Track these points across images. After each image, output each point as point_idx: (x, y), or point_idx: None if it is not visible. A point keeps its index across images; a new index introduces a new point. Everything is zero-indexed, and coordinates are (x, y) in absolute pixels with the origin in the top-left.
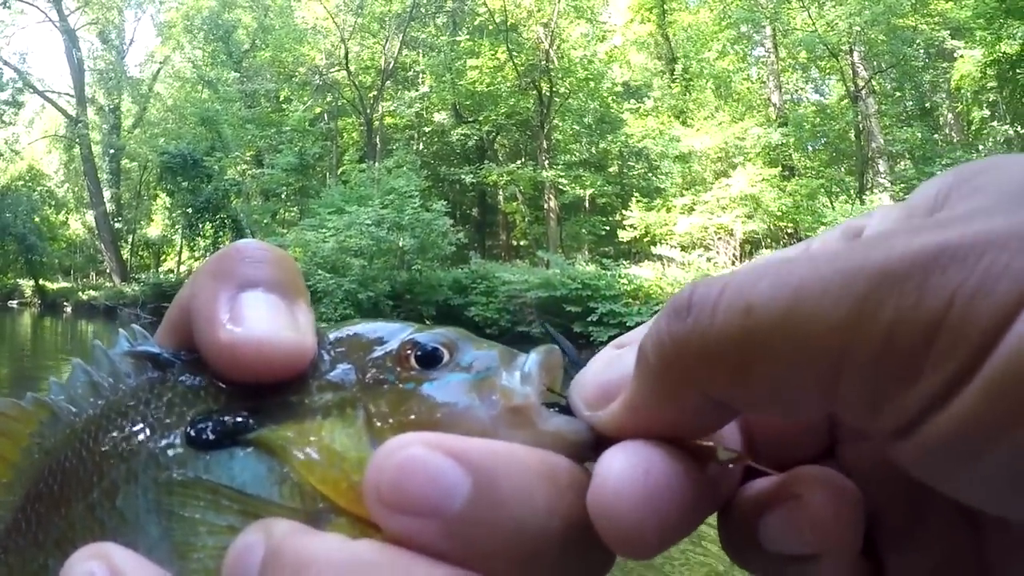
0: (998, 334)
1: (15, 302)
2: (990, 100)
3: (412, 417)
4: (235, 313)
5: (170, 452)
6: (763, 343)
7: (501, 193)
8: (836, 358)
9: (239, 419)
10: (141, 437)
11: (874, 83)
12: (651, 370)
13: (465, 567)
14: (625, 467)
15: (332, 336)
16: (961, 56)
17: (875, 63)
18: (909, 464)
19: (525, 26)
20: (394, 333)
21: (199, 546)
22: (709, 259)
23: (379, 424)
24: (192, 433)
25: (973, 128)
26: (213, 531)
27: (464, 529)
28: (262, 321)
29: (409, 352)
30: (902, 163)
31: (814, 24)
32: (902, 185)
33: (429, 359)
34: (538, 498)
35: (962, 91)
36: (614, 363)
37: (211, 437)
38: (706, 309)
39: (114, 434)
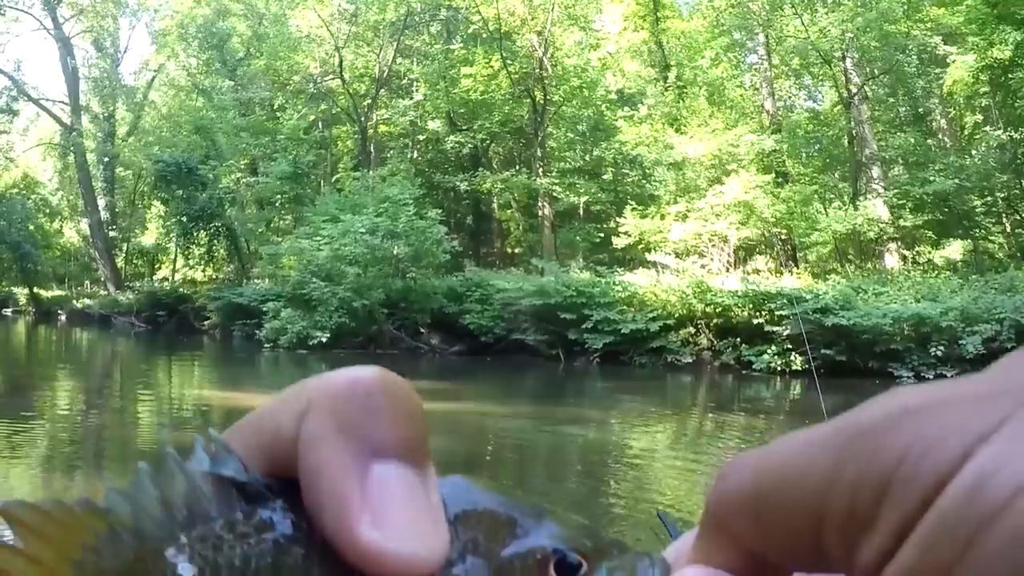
0: (939, 488)
1: (9, 310)
2: (983, 105)
3: None
4: (374, 507)
5: None
6: (765, 500)
7: (496, 201)
8: (816, 516)
9: None
10: None
11: (867, 89)
12: (703, 520)
13: None
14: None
15: (454, 511)
16: (954, 61)
17: (868, 69)
18: None
19: (519, 34)
20: (528, 524)
21: None
22: (703, 266)
23: None
24: None
25: (966, 133)
26: None
27: None
28: (405, 525)
29: (547, 563)
30: (895, 168)
31: (807, 31)
32: (895, 191)
33: (568, 570)
34: None
35: (955, 96)
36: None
37: None
38: (734, 470)
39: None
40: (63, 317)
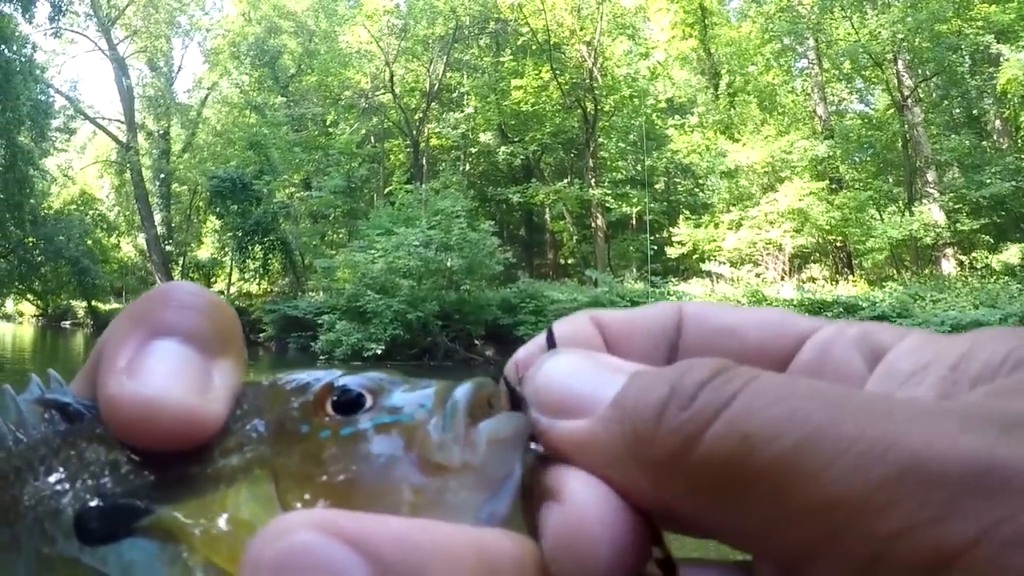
0: None
1: (68, 323)
2: None
3: (323, 477)
4: (134, 363)
5: (57, 523)
6: (748, 481)
7: (548, 212)
8: (824, 533)
9: (132, 505)
10: (31, 502)
11: (920, 91)
12: (626, 437)
13: None
14: (600, 497)
15: (251, 390)
16: (1007, 60)
17: (920, 71)
18: None
19: (568, 45)
20: (318, 379)
21: None
22: (758, 275)
23: (287, 485)
24: (78, 526)
25: (1022, 133)
26: None
27: None
28: (160, 376)
29: (326, 397)
30: (951, 172)
31: (857, 34)
32: (951, 195)
33: (349, 405)
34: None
35: (1009, 96)
36: (585, 377)
37: (99, 531)
38: (703, 415)
39: (4, 494)
40: None
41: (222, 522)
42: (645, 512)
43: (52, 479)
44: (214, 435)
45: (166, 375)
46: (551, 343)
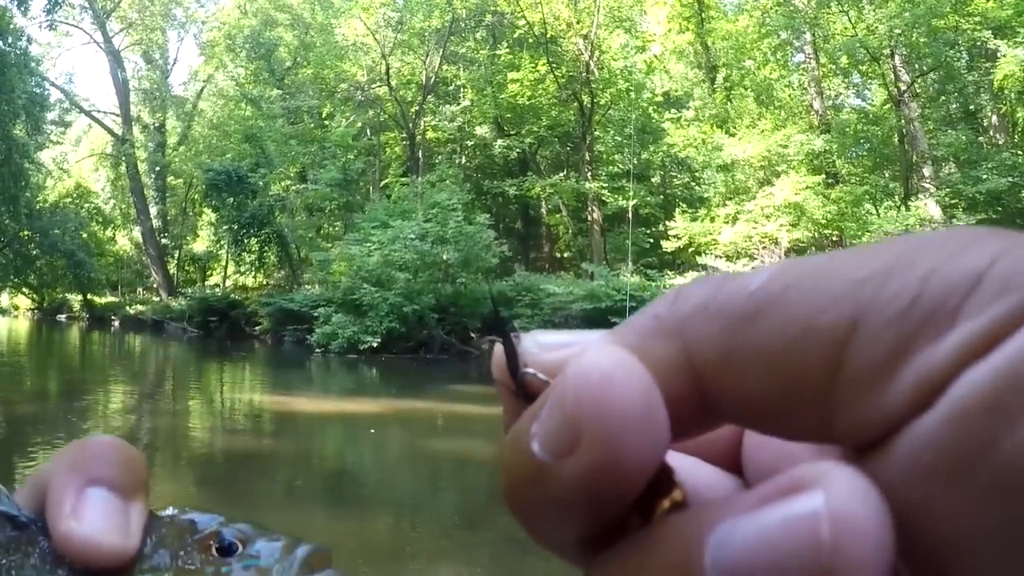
0: None
1: (64, 316)
2: None
3: None
4: (77, 509)
5: None
6: (776, 299)
7: (544, 205)
8: (851, 316)
9: None
10: None
11: (917, 86)
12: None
13: None
14: (624, 360)
15: (164, 517)
16: (1004, 56)
17: (917, 66)
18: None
19: (565, 38)
20: (205, 523)
21: None
22: (754, 268)
23: None
24: None
25: (1019, 129)
26: None
27: None
28: (96, 521)
29: (212, 543)
30: (947, 167)
31: (854, 28)
32: (947, 190)
33: (226, 550)
34: None
35: (1006, 92)
36: (571, 343)
37: None
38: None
39: None
40: (116, 323)
41: None
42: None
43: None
44: (132, 561)
45: (101, 519)
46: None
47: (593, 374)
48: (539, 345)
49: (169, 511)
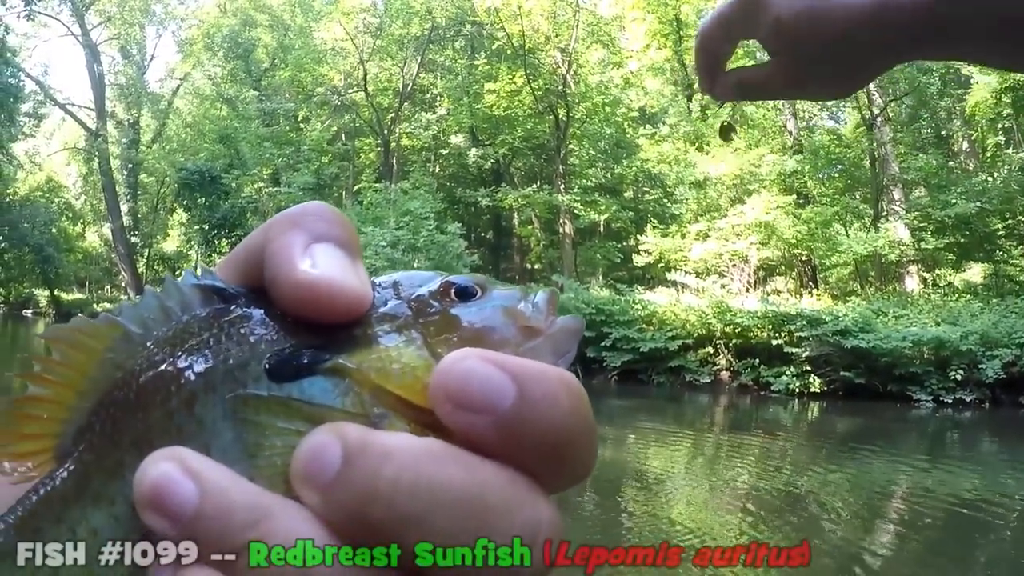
0: None
1: (30, 311)
2: (1005, 127)
3: (457, 336)
4: (312, 258)
5: (246, 372)
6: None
7: (516, 216)
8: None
9: (316, 354)
10: (220, 357)
11: (889, 110)
12: None
13: (507, 460)
14: None
15: (380, 281)
16: (976, 83)
17: (890, 90)
18: None
19: (543, 51)
20: (432, 277)
21: (268, 446)
22: (723, 286)
23: (433, 341)
24: (270, 367)
25: (988, 155)
26: (282, 433)
27: (511, 425)
28: (335, 268)
29: (449, 288)
30: (917, 191)
31: None
32: (917, 213)
33: (465, 294)
34: (563, 401)
35: (977, 118)
36: None
37: (291, 370)
38: None
39: (192, 353)
40: None
41: (388, 363)
42: None
43: (235, 340)
44: (367, 311)
45: (337, 267)
46: None
47: None
48: None
49: (390, 275)
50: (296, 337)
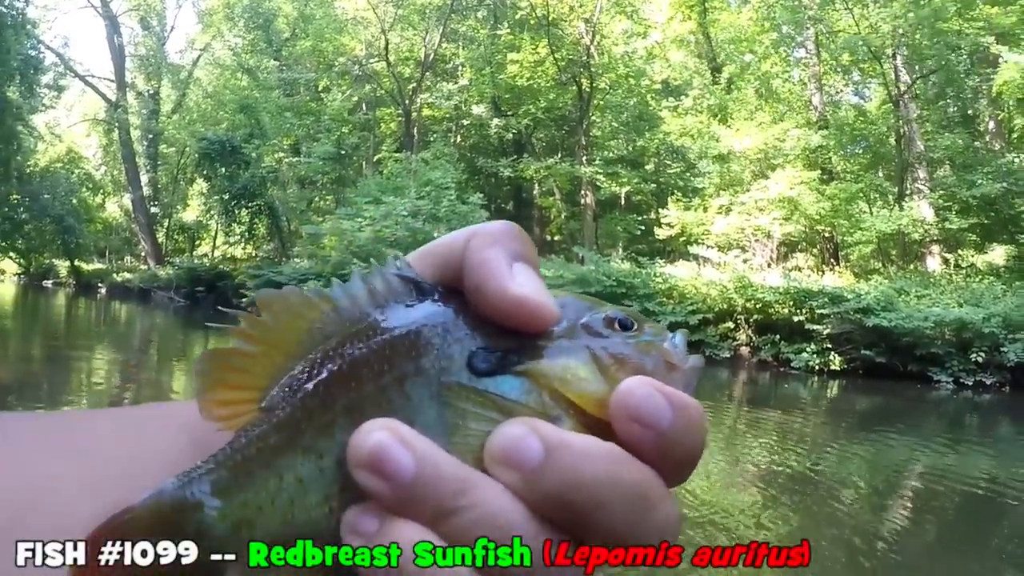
0: None
1: (51, 282)
2: None
3: (619, 363)
4: (519, 276)
5: (452, 362)
6: None
7: (537, 187)
8: None
9: (509, 356)
10: (430, 345)
11: (916, 88)
12: None
13: (655, 465)
14: None
15: (559, 301)
16: (1005, 62)
17: (918, 67)
18: None
19: (566, 21)
20: (593, 306)
21: (464, 428)
22: (745, 261)
23: (602, 363)
24: (473, 361)
25: (1015, 136)
26: (478, 419)
27: (665, 439)
28: (538, 288)
29: (614, 319)
30: (942, 170)
31: (857, 26)
32: (941, 192)
33: (624, 326)
34: (700, 426)
35: (1004, 98)
36: None
37: (488, 367)
38: None
39: (403, 338)
40: (103, 290)
41: (567, 374)
42: None
43: (444, 331)
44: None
45: (538, 286)
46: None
47: None
48: None
49: (561, 297)
50: (492, 339)
